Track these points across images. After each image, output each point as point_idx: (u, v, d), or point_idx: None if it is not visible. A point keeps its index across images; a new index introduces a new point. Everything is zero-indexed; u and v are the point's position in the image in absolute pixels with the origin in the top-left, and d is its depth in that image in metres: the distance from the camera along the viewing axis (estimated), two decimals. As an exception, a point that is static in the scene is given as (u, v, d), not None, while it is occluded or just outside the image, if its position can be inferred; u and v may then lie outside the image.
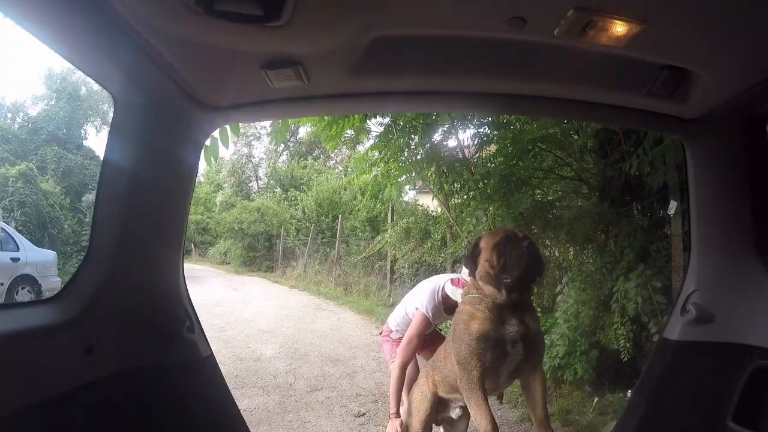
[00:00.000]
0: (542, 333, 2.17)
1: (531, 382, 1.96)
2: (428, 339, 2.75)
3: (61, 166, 17.42)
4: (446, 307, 2.56)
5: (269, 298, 10.38)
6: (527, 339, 1.87)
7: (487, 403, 1.87)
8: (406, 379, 2.59)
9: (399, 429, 2.43)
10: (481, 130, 4.66)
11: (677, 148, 2.64)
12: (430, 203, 9.12)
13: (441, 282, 2.62)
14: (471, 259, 1.96)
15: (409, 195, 12.63)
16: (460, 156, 4.93)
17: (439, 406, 2.27)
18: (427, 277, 2.92)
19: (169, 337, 1.56)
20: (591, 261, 3.92)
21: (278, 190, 23.01)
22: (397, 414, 2.49)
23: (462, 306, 2.00)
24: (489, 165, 4.78)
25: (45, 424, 1.13)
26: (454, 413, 2.28)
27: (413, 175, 5.49)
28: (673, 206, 3.27)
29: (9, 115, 19.16)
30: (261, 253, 17.75)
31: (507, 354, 1.87)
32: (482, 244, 1.92)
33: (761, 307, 1.45)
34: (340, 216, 13.16)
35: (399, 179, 5.75)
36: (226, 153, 26.52)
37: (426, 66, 1.35)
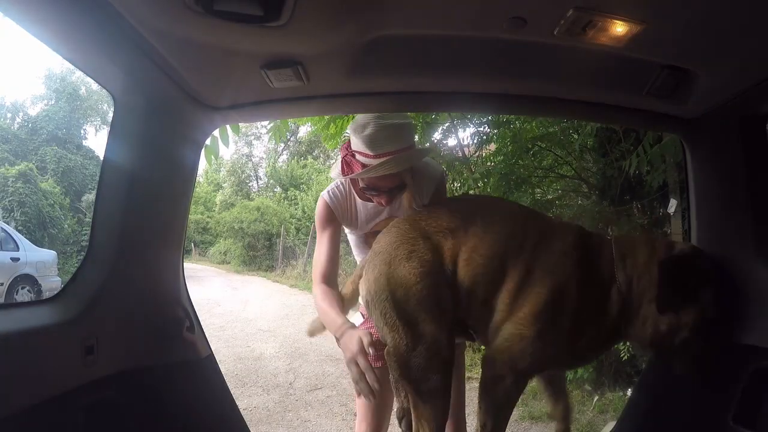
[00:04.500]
0: None
1: (558, 375, 1.72)
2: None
3: (61, 166, 17.40)
4: (360, 188, 1.60)
5: (269, 297, 10.36)
6: None
7: None
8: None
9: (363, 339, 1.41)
10: (481, 129, 4.66)
11: (677, 146, 2.63)
12: (430, 202, 9.07)
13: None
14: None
15: (409, 194, 12.60)
16: (460, 155, 4.92)
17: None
18: None
19: (169, 337, 1.56)
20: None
21: (278, 189, 23.01)
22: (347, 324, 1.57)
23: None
24: (489, 164, 4.78)
25: (45, 424, 1.13)
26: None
27: (413, 174, 5.46)
28: (673, 205, 3.27)
29: (9, 115, 19.13)
30: (261, 252, 17.72)
31: None
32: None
33: (761, 307, 1.45)
34: (340, 215, 13.13)
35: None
36: (226, 152, 26.50)
37: (426, 66, 1.35)
